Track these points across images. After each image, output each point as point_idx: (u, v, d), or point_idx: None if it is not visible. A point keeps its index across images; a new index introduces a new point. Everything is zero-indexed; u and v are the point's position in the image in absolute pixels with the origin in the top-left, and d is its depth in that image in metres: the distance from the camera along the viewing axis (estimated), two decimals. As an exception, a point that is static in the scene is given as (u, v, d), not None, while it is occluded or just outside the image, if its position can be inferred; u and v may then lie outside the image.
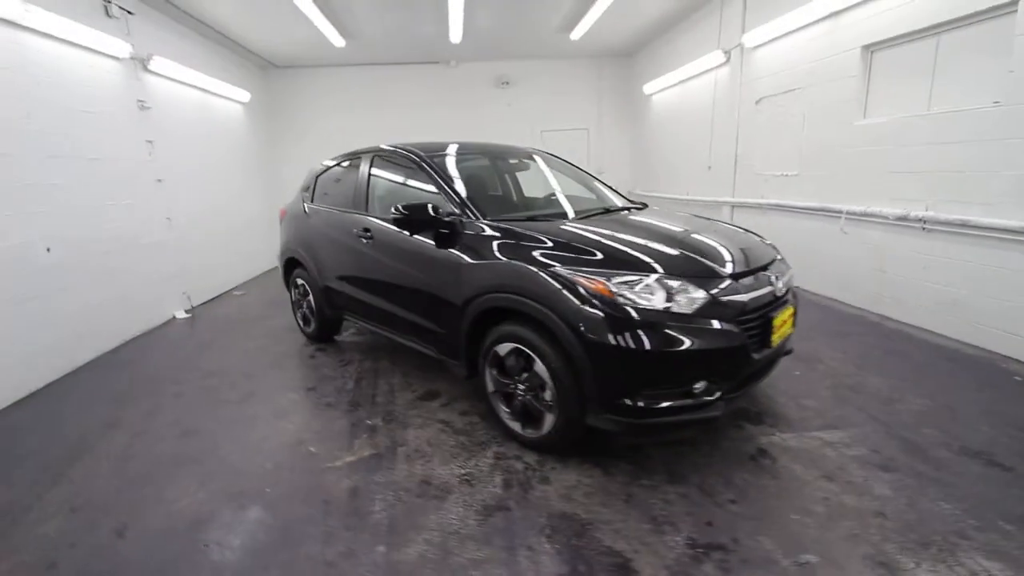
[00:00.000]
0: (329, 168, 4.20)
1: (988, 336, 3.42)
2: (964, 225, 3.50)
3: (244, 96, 7.44)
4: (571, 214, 3.08)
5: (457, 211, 2.83)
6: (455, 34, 7.17)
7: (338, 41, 7.06)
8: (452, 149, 3.41)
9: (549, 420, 2.38)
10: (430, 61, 9.00)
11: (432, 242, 2.83)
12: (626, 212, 3.22)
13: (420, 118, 9.16)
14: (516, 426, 2.57)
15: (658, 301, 2.10)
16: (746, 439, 2.55)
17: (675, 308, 2.10)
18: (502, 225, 2.64)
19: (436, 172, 3.09)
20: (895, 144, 4.03)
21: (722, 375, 2.18)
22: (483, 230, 2.66)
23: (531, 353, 2.36)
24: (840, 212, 4.59)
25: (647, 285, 2.12)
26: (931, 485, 2.14)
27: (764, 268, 2.48)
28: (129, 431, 2.94)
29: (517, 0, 6.22)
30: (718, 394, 2.18)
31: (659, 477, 2.29)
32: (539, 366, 2.34)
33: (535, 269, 2.32)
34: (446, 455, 2.56)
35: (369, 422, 2.95)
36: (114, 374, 3.90)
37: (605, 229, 2.59)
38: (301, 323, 4.52)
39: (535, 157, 3.80)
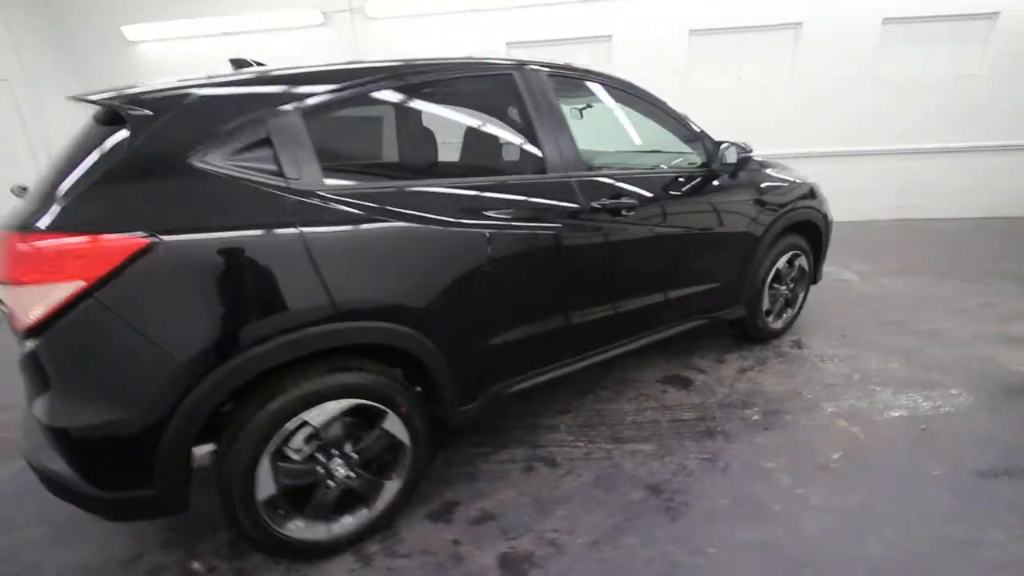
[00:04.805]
0: (360, 93, 1.60)
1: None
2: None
3: None
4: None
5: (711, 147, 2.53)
6: None
7: None
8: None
9: (800, 298, 3.14)
10: None
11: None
12: None
13: None
14: (779, 324, 3.06)
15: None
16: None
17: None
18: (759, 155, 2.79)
19: (666, 106, 2.42)
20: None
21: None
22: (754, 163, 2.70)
23: (808, 250, 3.00)
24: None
25: None
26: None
27: None
28: None
29: None
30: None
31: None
32: (802, 261, 3.02)
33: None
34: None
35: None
36: None
37: None
38: (328, 512, 1.57)
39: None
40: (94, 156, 1.30)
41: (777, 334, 3.09)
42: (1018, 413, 2.29)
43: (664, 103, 2.42)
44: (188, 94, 1.39)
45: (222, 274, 1.30)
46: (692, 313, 2.59)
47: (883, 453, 2.08)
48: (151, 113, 1.33)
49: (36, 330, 1.20)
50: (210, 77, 1.47)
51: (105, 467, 1.29)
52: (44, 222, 1.19)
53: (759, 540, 1.66)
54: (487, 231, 1.71)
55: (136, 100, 1.33)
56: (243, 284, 1.33)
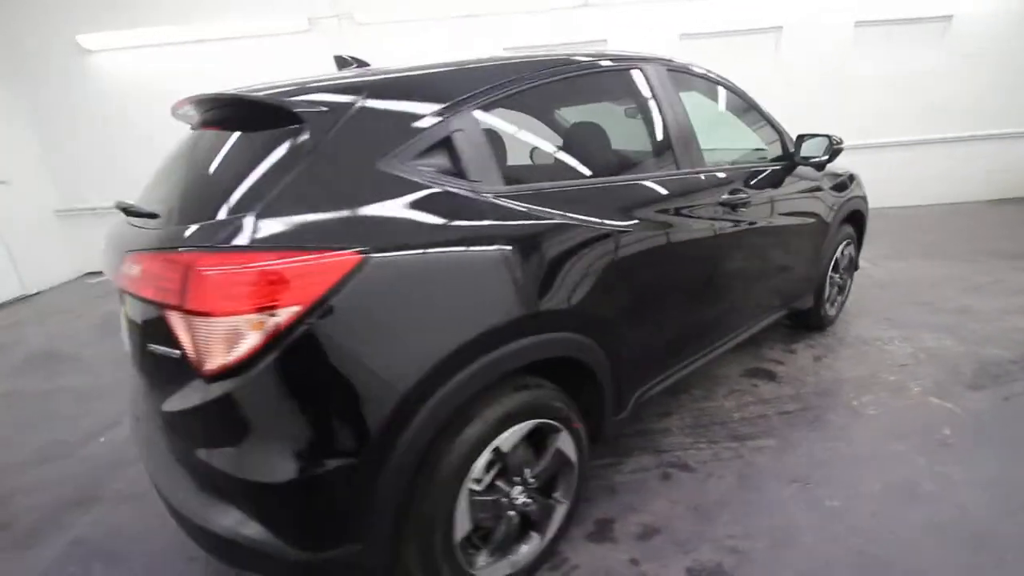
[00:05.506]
0: (518, 88, 1.47)
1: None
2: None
3: None
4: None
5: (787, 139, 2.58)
6: None
7: None
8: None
9: (848, 285, 3.26)
10: None
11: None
12: None
13: None
14: (833, 311, 3.15)
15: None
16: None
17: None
18: None
19: (749, 97, 2.43)
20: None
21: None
22: None
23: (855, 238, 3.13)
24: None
25: None
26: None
27: None
28: None
29: None
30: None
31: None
32: (851, 248, 3.14)
33: None
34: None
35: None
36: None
37: None
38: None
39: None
40: (269, 161, 1.12)
41: (832, 321, 3.19)
42: (1082, 377, 2.47)
43: (747, 94, 2.44)
44: (364, 91, 1.23)
45: (430, 287, 1.15)
46: (782, 303, 2.63)
47: (986, 424, 2.16)
48: (328, 112, 1.17)
49: (231, 370, 1.01)
50: (375, 72, 1.31)
51: (316, 523, 1.10)
52: (240, 239, 1.00)
53: (932, 521, 1.67)
54: (645, 229, 1.64)
55: (320, 96, 1.17)
56: (451, 297, 1.19)
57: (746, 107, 2.44)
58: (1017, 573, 1.48)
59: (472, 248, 1.22)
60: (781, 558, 1.58)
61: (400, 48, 5.63)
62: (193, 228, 1.06)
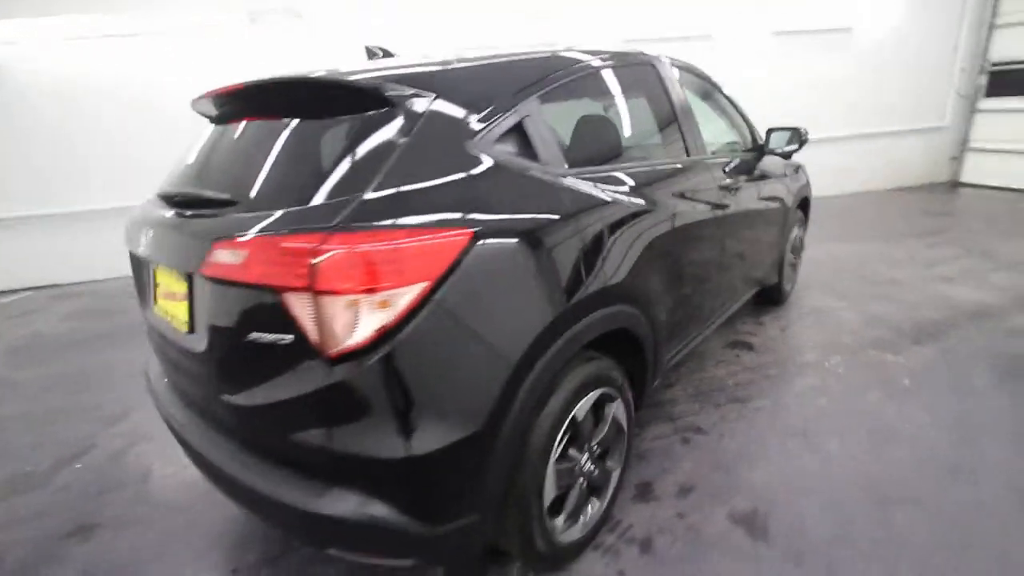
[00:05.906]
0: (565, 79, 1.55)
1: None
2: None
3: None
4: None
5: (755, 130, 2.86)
6: None
7: None
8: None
9: (799, 263, 3.64)
10: None
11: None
12: None
13: None
14: (789, 286, 3.51)
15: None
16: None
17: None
18: None
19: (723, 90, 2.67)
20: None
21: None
22: None
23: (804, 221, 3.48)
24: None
25: None
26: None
27: None
28: None
29: None
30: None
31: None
32: (802, 231, 3.52)
33: None
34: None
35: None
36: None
37: None
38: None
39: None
40: (368, 144, 1.13)
41: (788, 296, 3.55)
42: (999, 327, 2.95)
43: (720, 87, 2.68)
44: (445, 78, 1.27)
45: (528, 262, 1.22)
46: (761, 278, 2.92)
47: (933, 374, 2.53)
48: (416, 96, 1.20)
49: (358, 350, 1.01)
50: (450, 61, 1.35)
51: (444, 496, 1.12)
52: (362, 219, 1.01)
53: (914, 457, 1.95)
54: (678, 207, 1.80)
55: (404, 82, 1.19)
56: (545, 271, 1.26)
57: (722, 99, 2.69)
58: (991, 492, 1.77)
59: (560, 225, 1.30)
60: (803, 497, 1.78)
61: (344, 44, 5.49)
62: (306, 209, 1.05)
